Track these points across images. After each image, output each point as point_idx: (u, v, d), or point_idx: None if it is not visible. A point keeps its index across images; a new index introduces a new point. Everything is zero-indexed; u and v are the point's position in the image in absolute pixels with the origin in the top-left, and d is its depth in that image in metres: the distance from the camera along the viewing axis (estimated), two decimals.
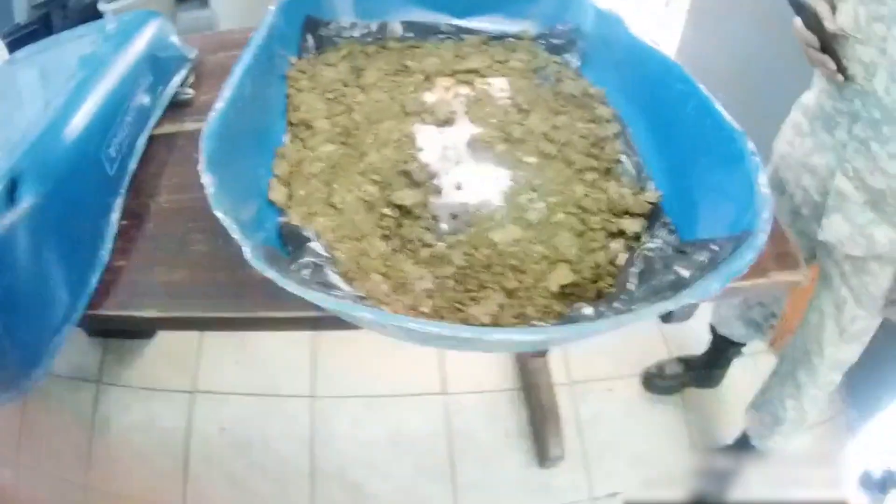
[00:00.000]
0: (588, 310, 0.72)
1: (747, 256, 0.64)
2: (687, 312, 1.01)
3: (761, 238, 0.66)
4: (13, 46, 1.24)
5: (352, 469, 1.52)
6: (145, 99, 1.00)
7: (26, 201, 0.71)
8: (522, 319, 0.76)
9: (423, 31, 1.23)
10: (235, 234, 0.66)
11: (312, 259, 0.76)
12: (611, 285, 0.80)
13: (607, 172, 0.95)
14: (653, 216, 0.87)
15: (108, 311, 0.79)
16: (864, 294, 1.15)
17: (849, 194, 1.06)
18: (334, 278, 0.75)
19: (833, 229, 1.11)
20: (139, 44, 1.01)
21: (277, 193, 0.87)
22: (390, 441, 1.61)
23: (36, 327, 0.73)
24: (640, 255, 0.81)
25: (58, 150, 0.77)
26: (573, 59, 1.17)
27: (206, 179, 0.70)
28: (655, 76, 0.98)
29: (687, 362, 1.83)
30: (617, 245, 0.85)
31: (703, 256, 0.74)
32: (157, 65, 1.03)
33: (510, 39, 1.23)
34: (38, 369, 0.73)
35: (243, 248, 0.65)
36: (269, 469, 1.51)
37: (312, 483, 1.49)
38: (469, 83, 1.12)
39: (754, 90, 2.34)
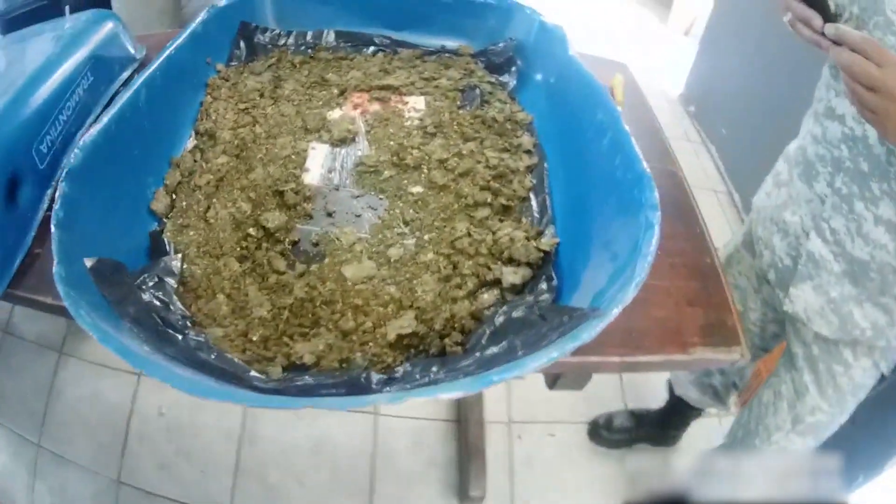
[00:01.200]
0: (402, 369, 0.67)
1: (579, 337, 0.57)
2: (578, 381, 0.93)
3: (600, 322, 0.58)
4: (16, 24, 1.28)
5: (273, 470, 1.50)
6: (86, 98, 1.00)
7: None
8: (346, 365, 0.71)
9: (356, 43, 1.18)
10: (54, 254, 0.65)
11: (159, 273, 0.75)
12: (458, 343, 0.73)
13: (505, 210, 0.88)
14: (541, 266, 0.80)
15: (21, 292, 0.80)
16: (831, 385, 0.99)
17: (824, 260, 0.91)
18: (170, 297, 0.73)
19: (802, 300, 0.97)
20: (84, 45, 1.01)
21: (158, 203, 0.86)
22: (313, 450, 1.56)
23: None
24: (502, 314, 0.74)
25: None
26: (510, 80, 1.08)
27: (60, 188, 0.70)
28: (580, 101, 0.90)
29: (640, 417, 1.64)
30: (489, 296, 0.78)
31: (554, 327, 0.66)
32: (102, 65, 1.03)
33: (448, 55, 1.15)
34: None
35: (54, 267, 0.64)
36: (196, 458, 1.50)
37: (234, 478, 1.47)
38: (383, 100, 1.06)
39: (758, 121, 2.24)
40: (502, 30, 1.12)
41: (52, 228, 0.67)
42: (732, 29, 2.43)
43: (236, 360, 0.68)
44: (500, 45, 1.11)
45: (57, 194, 0.70)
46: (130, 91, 0.85)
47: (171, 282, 0.75)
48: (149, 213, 0.86)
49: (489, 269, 0.79)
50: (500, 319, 0.72)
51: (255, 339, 0.73)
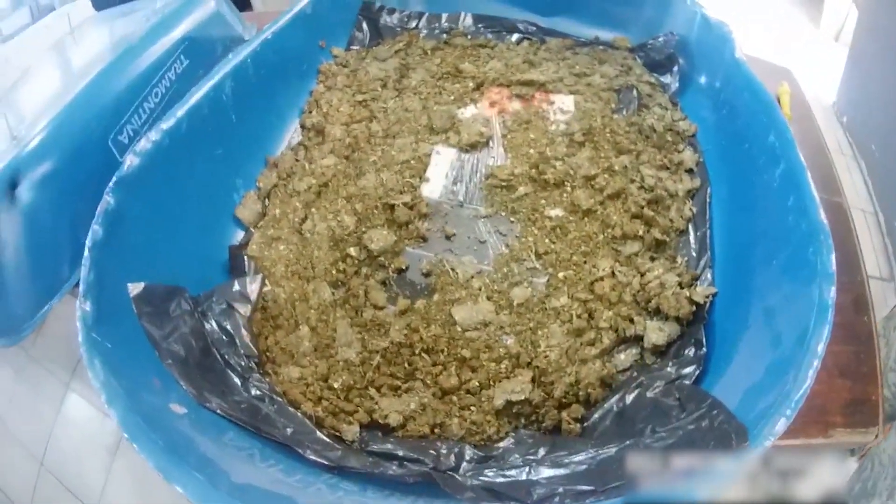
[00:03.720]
0: (502, 446, 0.52)
1: (726, 470, 0.42)
2: None
3: (766, 436, 0.42)
4: None
5: None
6: (179, 84, 0.84)
7: (28, 190, 0.64)
8: (439, 431, 0.54)
9: (498, 28, 0.94)
10: (81, 283, 0.50)
11: (229, 299, 0.59)
12: (577, 419, 0.54)
13: (658, 246, 0.66)
14: (691, 323, 0.59)
15: None
16: None
17: None
18: (238, 329, 0.57)
19: None
20: (178, 26, 0.86)
21: (245, 210, 0.71)
22: None
23: (37, 289, 0.68)
24: (635, 390, 0.55)
25: (63, 136, 0.67)
26: (672, 82, 0.85)
27: (104, 202, 0.55)
28: (750, 117, 0.68)
29: None
30: (625, 357, 0.59)
31: (691, 427, 0.48)
32: (199, 47, 0.87)
33: (601, 48, 0.92)
34: (34, 321, 0.68)
35: (77, 300, 0.49)
36: None
37: None
38: (525, 98, 0.84)
39: None
40: (660, 22, 0.88)
41: (86, 251, 0.52)
42: (878, 37, 2.08)
43: (303, 415, 0.53)
44: (661, 39, 0.87)
45: (99, 208, 0.54)
46: (210, 83, 0.69)
47: (243, 309, 0.58)
48: (234, 220, 0.70)
49: (631, 321, 0.59)
50: (631, 397, 0.54)
51: (336, 385, 0.56)
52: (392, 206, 0.69)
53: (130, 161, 0.58)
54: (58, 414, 1.15)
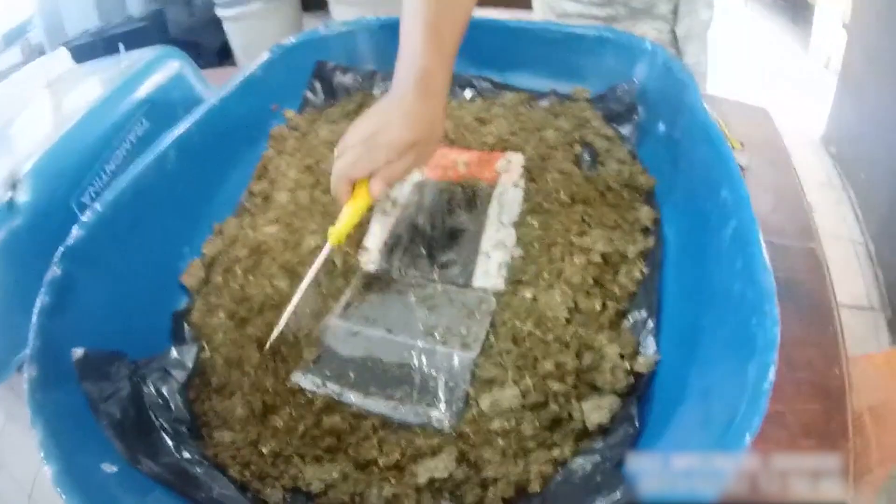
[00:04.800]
0: None
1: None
2: None
3: None
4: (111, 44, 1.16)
5: None
6: (140, 146, 0.83)
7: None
8: (359, 500, 0.52)
9: (452, 85, 0.88)
10: (29, 349, 0.52)
11: (166, 365, 0.59)
12: (503, 499, 0.51)
13: (600, 314, 0.61)
14: (627, 395, 0.55)
15: None
16: None
17: None
18: (174, 395, 0.58)
19: None
20: (139, 88, 0.85)
21: (190, 277, 0.69)
22: None
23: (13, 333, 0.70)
24: (563, 474, 0.51)
25: (31, 194, 0.72)
26: (631, 133, 0.80)
27: (51, 272, 0.56)
28: (705, 170, 0.63)
29: None
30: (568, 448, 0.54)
31: None
32: (160, 110, 0.86)
33: (559, 100, 0.87)
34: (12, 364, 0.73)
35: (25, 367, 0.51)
36: None
37: None
38: (472, 159, 0.77)
39: None
40: (622, 70, 0.83)
41: (34, 318, 0.53)
42: (868, 63, 2.03)
43: (229, 479, 0.52)
44: (621, 88, 0.82)
45: (46, 277, 0.55)
46: (155, 152, 0.67)
47: (179, 376, 0.59)
48: (181, 287, 0.68)
49: (568, 402, 0.55)
50: (558, 478, 0.51)
51: (264, 451, 0.54)
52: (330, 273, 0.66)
53: (76, 232, 0.59)
54: None
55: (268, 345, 0.61)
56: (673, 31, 1.11)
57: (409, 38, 0.61)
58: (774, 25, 3.15)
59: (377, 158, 0.58)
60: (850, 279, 1.85)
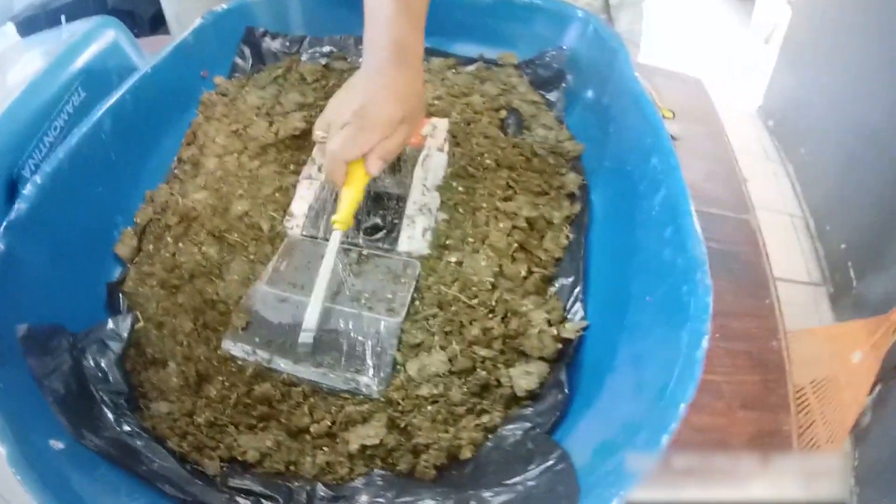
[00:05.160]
0: (353, 487, 0.50)
1: None
2: None
3: None
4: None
5: None
6: (77, 116, 0.80)
7: None
8: (294, 469, 0.52)
9: None
10: None
11: (103, 336, 0.57)
12: (435, 466, 0.51)
13: (526, 279, 0.62)
14: (555, 362, 0.56)
15: None
16: None
17: None
18: (111, 367, 0.56)
19: None
20: (76, 59, 0.83)
21: (123, 247, 0.67)
22: None
23: None
24: (493, 442, 0.52)
25: None
26: (558, 99, 0.81)
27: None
28: (634, 138, 0.64)
29: None
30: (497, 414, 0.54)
31: (531, 483, 0.45)
32: (96, 79, 0.83)
33: (486, 66, 0.87)
34: None
35: None
36: None
37: None
38: None
39: (839, 141, 1.88)
40: (552, 37, 0.83)
41: None
42: (812, 38, 2.07)
43: (168, 450, 0.51)
44: (549, 54, 0.83)
45: None
46: (90, 123, 0.66)
47: (116, 347, 0.57)
48: (115, 258, 0.67)
49: (496, 367, 0.56)
50: (488, 445, 0.51)
51: (200, 421, 0.54)
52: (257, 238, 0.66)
53: (18, 206, 0.57)
54: None
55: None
56: None
57: (377, 8, 0.60)
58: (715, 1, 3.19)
59: (371, 137, 0.58)
60: (789, 253, 1.90)
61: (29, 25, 1.46)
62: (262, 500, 0.49)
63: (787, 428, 0.62)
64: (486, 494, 0.45)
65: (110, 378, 0.56)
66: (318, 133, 0.62)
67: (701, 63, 2.52)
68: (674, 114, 0.96)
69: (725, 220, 0.84)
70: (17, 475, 0.42)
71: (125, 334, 0.59)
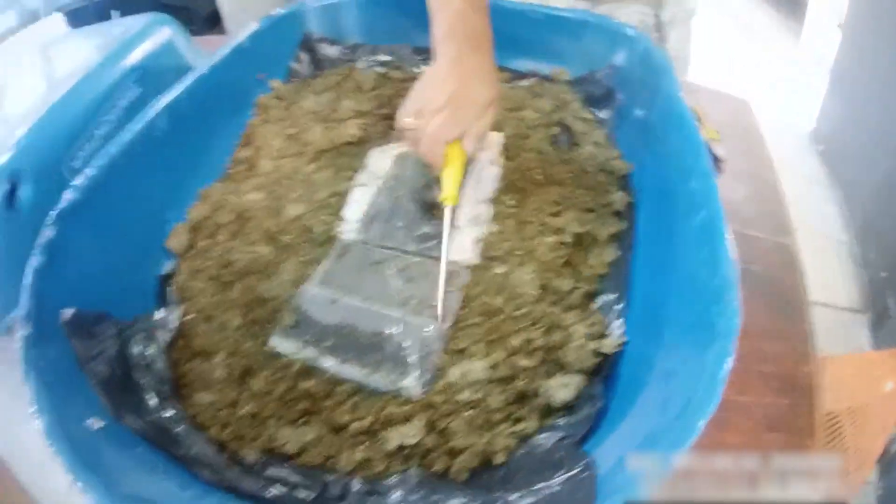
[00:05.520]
0: (387, 483, 0.52)
1: None
2: None
3: None
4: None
5: None
6: (132, 112, 0.83)
7: None
8: (332, 462, 0.53)
9: None
10: (22, 308, 0.52)
11: (152, 325, 0.60)
12: (468, 468, 0.52)
13: (570, 293, 0.63)
14: (593, 374, 0.57)
15: None
16: None
17: None
18: (157, 355, 0.58)
19: None
20: (130, 54, 0.85)
21: (174, 240, 0.69)
22: None
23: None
24: (527, 448, 0.53)
25: (19, 160, 0.70)
26: (609, 117, 0.81)
27: (43, 235, 0.56)
28: (678, 158, 0.64)
29: None
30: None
31: (556, 489, 0.47)
32: (152, 76, 0.86)
33: (540, 81, 0.87)
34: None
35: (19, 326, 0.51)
36: None
37: None
38: None
39: (888, 167, 1.83)
40: (603, 54, 0.84)
41: (27, 278, 0.54)
42: (863, 65, 2.02)
43: (208, 439, 0.54)
44: (601, 72, 0.83)
45: (39, 239, 0.56)
46: (146, 119, 0.68)
47: (163, 337, 0.59)
48: (165, 251, 0.69)
49: (535, 379, 0.56)
50: (521, 451, 0.53)
51: (242, 413, 0.55)
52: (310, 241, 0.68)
53: (69, 195, 0.59)
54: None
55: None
56: (657, 16, 1.12)
57: (444, 2, 0.64)
58: (766, 17, 3.14)
59: (466, 118, 0.62)
60: (833, 279, 1.86)
61: (77, 17, 1.50)
62: (297, 489, 0.51)
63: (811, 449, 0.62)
64: (512, 497, 0.46)
65: (155, 366, 0.58)
66: (406, 120, 0.65)
67: (752, 83, 2.48)
68: (720, 135, 0.95)
69: (765, 242, 0.84)
70: (52, 446, 0.44)
71: (173, 326, 0.61)
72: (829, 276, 1.84)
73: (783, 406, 0.66)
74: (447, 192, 0.63)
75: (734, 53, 2.72)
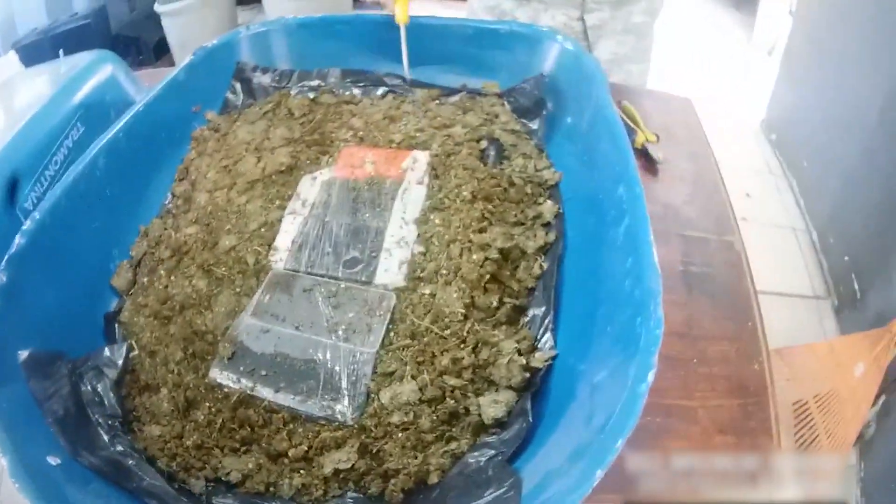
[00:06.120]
0: None
1: None
2: None
3: None
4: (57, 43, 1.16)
5: None
6: (77, 151, 0.82)
7: None
8: (274, 490, 0.55)
9: (365, 83, 0.91)
10: None
11: (100, 363, 0.62)
12: (402, 490, 0.53)
13: (498, 309, 0.63)
14: (523, 390, 0.58)
15: None
16: None
17: None
18: (106, 392, 0.60)
19: None
20: (75, 93, 0.86)
21: (119, 279, 0.71)
22: None
23: None
24: (460, 467, 0.54)
25: None
26: (539, 127, 0.82)
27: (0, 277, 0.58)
28: (605, 166, 0.65)
29: None
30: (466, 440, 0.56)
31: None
32: (95, 113, 0.86)
33: (469, 96, 0.88)
34: None
35: None
36: None
37: None
38: (380, 158, 0.78)
39: (840, 154, 1.85)
40: (533, 63, 0.85)
41: None
42: (813, 50, 2.04)
43: (158, 470, 0.55)
44: (530, 82, 0.84)
45: None
46: (87, 159, 0.69)
47: (111, 374, 0.61)
48: (112, 290, 0.71)
49: (465, 396, 0.57)
50: (453, 471, 0.53)
51: (188, 444, 0.57)
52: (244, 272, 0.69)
53: (18, 240, 0.61)
54: None
55: None
56: (582, 19, 1.12)
57: None
58: (718, 12, 3.17)
59: None
60: (792, 268, 1.87)
61: (31, 52, 1.50)
62: None
63: (764, 451, 0.62)
64: None
65: (106, 402, 0.60)
66: None
67: (704, 78, 2.50)
68: (658, 137, 0.96)
69: (707, 242, 0.83)
70: (16, 484, 0.45)
71: (120, 362, 0.63)
72: (787, 266, 1.86)
73: (733, 407, 0.65)
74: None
75: (687, 51, 2.74)
